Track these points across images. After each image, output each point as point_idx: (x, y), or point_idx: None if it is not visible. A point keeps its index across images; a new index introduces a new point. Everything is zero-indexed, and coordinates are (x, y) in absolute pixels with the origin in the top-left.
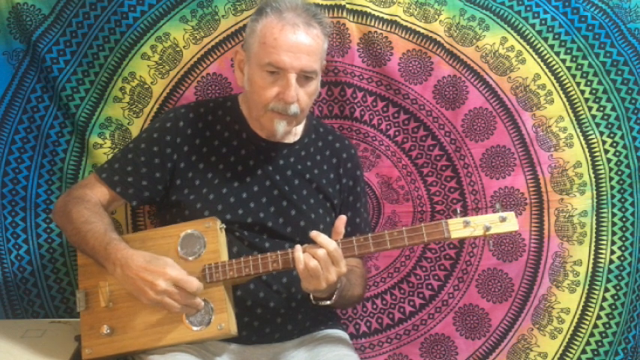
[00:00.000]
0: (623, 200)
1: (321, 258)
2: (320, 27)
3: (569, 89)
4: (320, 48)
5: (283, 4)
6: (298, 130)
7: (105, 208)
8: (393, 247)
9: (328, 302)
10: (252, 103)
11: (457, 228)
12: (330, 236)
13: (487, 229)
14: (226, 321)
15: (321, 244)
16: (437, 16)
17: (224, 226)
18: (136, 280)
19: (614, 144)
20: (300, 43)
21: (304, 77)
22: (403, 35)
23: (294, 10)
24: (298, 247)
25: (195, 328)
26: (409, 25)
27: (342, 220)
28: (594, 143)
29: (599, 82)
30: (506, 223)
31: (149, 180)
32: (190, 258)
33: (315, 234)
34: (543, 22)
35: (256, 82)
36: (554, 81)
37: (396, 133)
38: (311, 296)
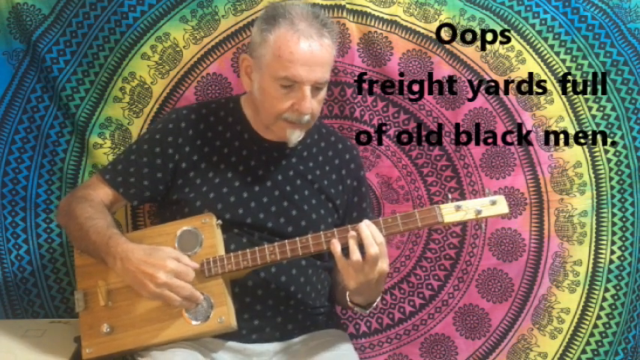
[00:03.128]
0: (623, 200)
1: (383, 243)
2: (330, 36)
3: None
4: (331, 58)
5: (294, 11)
6: None
7: (108, 208)
8: (388, 234)
9: (367, 310)
10: (263, 111)
11: (449, 212)
12: None
13: (478, 212)
14: (226, 314)
15: (373, 234)
16: (437, 16)
17: (220, 222)
18: (136, 274)
19: (614, 144)
20: (315, 56)
21: (316, 87)
22: (403, 35)
23: (305, 18)
24: (335, 241)
25: (195, 323)
26: (409, 25)
27: None
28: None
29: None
30: (497, 206)
31: (150, 180)
32: (188, 254)
33: (368, 222)
34: (543, 22)
35: (270, 93)
36: (554, 81)
37: (396, 133)
38: (348, 300)
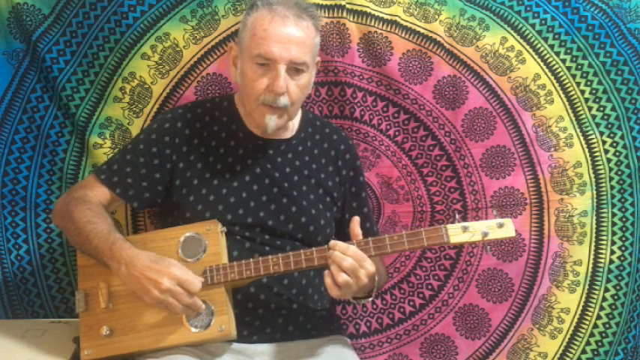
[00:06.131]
0: (623, 200)
1: (348, 268)
2: (311, 20)
3: (569, 89)
4: (310, 40)
5: None
6: (294, 125)
7: (105, 208)
8: (393, 251)
9: (369, 299)
10: (244, 96)
11: (456, 233)
12: (334, 233)
13: (485, 234)
14: (227, 323)
15: (341, 251)
16: (437, 16)
17: (225, 229)
18: (140, 279)
19: (614, 144)
20: (289, 34)
21: (295, 69)
22: (403, 35)
23: (284, 3)
24: (327, 272)
25: (195, 330)
26: (409, 25)
27: (356, 222)
28: (594, 143)
29: (599, 82)
30: (504, 229)
31: (149, 181)
32: (191, 260)
33: (332, 244)
34: (543, 22)
35: (247, 74)
36: (554, 81)
37: (396, 133)
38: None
